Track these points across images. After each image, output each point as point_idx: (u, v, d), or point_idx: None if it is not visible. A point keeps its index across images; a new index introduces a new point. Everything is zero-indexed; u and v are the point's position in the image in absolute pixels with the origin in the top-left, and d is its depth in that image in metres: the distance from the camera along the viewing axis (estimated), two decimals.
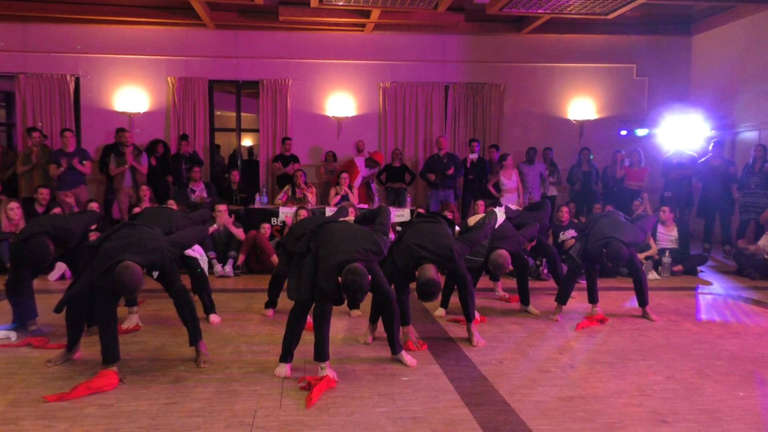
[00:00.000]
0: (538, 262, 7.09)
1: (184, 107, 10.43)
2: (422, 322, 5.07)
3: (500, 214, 5.24)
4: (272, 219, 7.94)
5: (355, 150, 10.14)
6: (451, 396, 3.50)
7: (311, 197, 8.68)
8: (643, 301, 5.33)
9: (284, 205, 8.33)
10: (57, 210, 7.20)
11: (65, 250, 4.59)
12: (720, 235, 9.16)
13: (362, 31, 10.56)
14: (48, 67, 10.15)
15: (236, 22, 10.12)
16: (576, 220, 8.03)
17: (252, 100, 11.63)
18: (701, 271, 7.57)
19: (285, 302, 4.63)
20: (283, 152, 9.95)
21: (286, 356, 3.81)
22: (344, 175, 8.87)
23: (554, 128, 11.02)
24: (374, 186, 9.98)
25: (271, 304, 5.35)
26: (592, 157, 9.94)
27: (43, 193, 7.58)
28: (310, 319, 3.84)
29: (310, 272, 3.69)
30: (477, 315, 4.85)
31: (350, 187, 8.84)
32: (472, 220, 5.66)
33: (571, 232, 7.45)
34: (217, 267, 7.00)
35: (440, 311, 5.35)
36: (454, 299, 4.94)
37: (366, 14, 9.57)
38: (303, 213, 7.09)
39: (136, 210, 6.95)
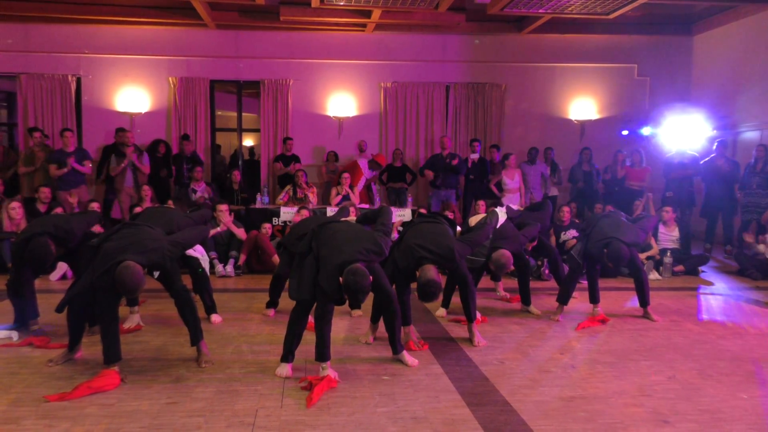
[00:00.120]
0: (539, 263, 7.09)
1: (185, 107, 10.43)
2: (423, 322, 5.07)
3: (501, 214, 5.24)
4: (273, 219, 7.94)
5: (357, 150, 10.15)
6: (452, 396, 3.50)
7: (312, 197, 8.68)
8: (644, 302, 5.33)
9: (285, 205, 8.33)
10: (58, 210, 7.21)
11: (66, 250, 4.59)
12: (722, 235, 9.15)
13: (363, 31, 10.57)
14: (49, 68, 10.15)
15: (237, 22, 10.12)
16: (577, 220, 8.02)
17: (253, 100, 11.63)
18: (702, 272, 7.56)
19: (286, 302, 4.64)
20: (284, 152, 9.95)
21: (287, 356, 3.81)
22: (345, 175, 8.87)
23: (555, 128, 11.02)
24: (375, 187, 9.98)
25: (272, 304, 5.35)
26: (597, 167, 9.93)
27: (45, 192, 7.60)
28: (311, 319, 3.84)
29: (312, 272, 3.69)
30: (478, 315, 4.85)
31: (351, 187, 8.84)
32: (473, 220, 5.66)
33: (573, 232, 7.44)
34: (219, 267, 7.00)
35: (441, 311, 5.35)
36: (456, 299, 4.94)
37: (367, 14, 9.57)
38: (304, 213, 7.09)
39: (138, 210, 6.95)
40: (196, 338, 4.00)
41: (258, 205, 8.41)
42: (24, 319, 4.65)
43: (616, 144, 10.43)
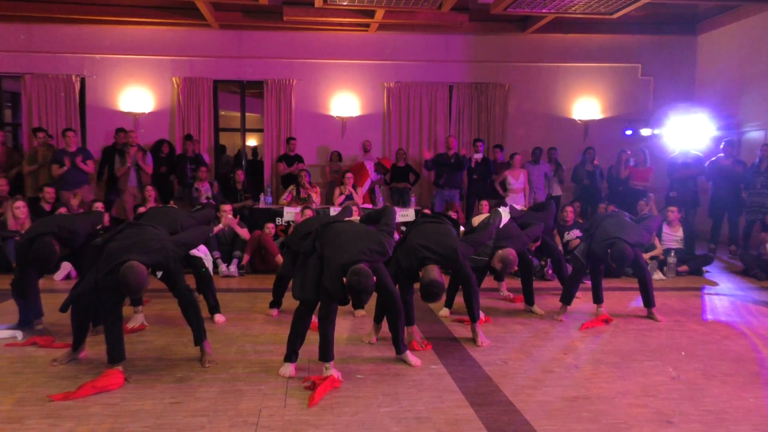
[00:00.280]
0: (542, 263, 7.08)
1: (188, 107, 10.45)
2: (427, 322, 5.07)
3: (505, 214, 5.23)
4: (276, 219, 7.95)
5: (361, 150, 10.16)
6: (455, 396, 3.50)
7: (316, 197, 8.69)
8: (648, 302, 5.31)
9: (289, 205, 8.34)
10: (62, 210, 7.23)
11: (71, 250, 4.61)
12: (727, 235, 9.11)
13: (366, 31, 10.57)
14: (53, 68, 10.18)
15: (240, 23, 10.13)
16: (580, 220, 8.00)
17: (256, 100, 11.65)
18: (707, 272, 7.54)
19: (289, 302, 4.64)
20: (288, 152, 9.96)
21: (290, 356, 3.81)
22: (348, 174, 8.88)
23: (559, 128, 11.00)
24: (377, 188, 9.99)
25: (275, 303, 5.35)
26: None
27: (50, 192, 7.63)
28: (315, 318, 3.85)
29: (316, 272, 3.69)
30: (481, 315, 4.84)
31: (355, 187, 8.84)
32: (476, 220, 5.66)
33: (576, 232, 7.43)
34: (222, 267, 7.01)
35: (445, 311, 5.35)
36: (459, 299, 4.93)
37: (370, 14, 9.57)
38: (308, 213, 7.09)
39: (141, 210, 6.97)
40: (199, 338, 4.01)
41: (261, 205, 8.42)
42: (28, 318, 4.67)
43: (619, 144, 10.41)
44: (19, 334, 4.45)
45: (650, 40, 10.99)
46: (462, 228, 5.61)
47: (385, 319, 4.26)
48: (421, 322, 4.94)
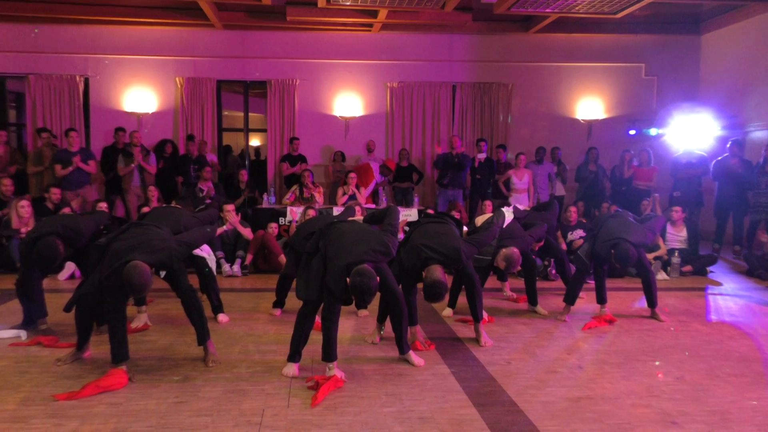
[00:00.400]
0: (546, 263, 7.07)
1: (192, 107, 10.46)
2: (430, 322, 5.07)
3: (508, 214, 5.23)
4: (280, 219, 7.96)
5: (365, 150, 10.16)
6: (458, 396, 3.50)
7: (319, 197, 8.69)
8: (652, 302, 5.30)
9: (292, 204, 8.35)
10: (66, 210, 7.25)
11: (74, 250, 4.62)
12: (732, 235, 9.08)
13: (369, 31, 10.57)
14: (57, 68, 10.21)
15: (244, 23, 10.14)
16: (584, 220, 7.99)
17: (260, 100, 11.66)
18: (711, 272, 7.52)
19: (293, 302, 4.65)
20: (291, 152, 9.97)
21: (294, 356, 3.81)
22: (352, 174, 8.88)
23: (562, 128, 10.99)
24: (380, 188, 9.98)
25: (278, 303, 5.36)
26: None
27: (56, 193, 7.66)
28: (318, 319, 3.85)
29: (319, 273, 3.69)
30: (485, 315, 4.84)
31: (358, 187, 8.84)
32: (479, 220, 5.66)
33: (579, 232, 7.42)
34: (225, 266, 7.02)
35: (448, 311, 5.35)
36: (462, 299, 4.94)
37: (373, 14, 9.57)
38: (311, 213, 7.09)
39: (145, 210, 6.98)
40: (203, 338, 4.01)
41: (265, 205, 8.43)
42: (32, 318, 4.68)
43: (623, 144, 10.39)
44: (23, 334, 4.47)
45: (654, 39, 10.97)
46: (465, 228, 5.61)
47: (388, 319, 4.25)
48: (424, 322, 4.94)
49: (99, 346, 4.10)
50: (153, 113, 10.49)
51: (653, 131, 10.34)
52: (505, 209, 5.32)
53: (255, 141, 14.54)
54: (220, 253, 7.03)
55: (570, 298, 5.28)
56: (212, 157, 9.99)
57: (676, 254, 7.30)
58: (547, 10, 9.03)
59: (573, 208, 7.71)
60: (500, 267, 4.94)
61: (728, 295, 6.44)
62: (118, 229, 4.07)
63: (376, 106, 10.88)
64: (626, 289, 6.48)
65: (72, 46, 10.26)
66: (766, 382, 3.78)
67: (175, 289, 4.06)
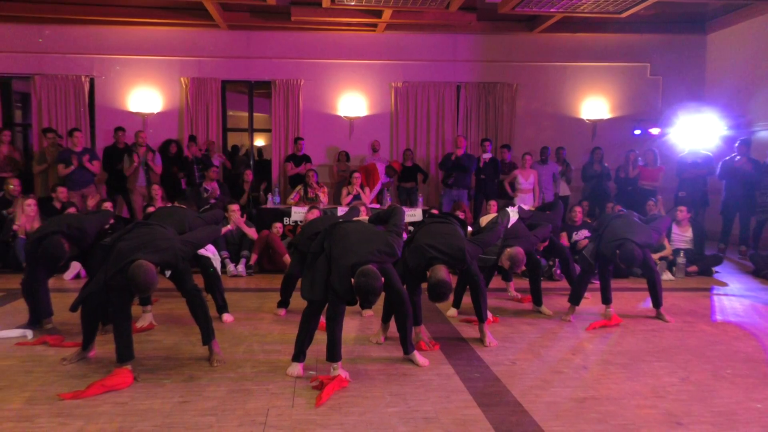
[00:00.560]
0: (550, 263, 7.06)
1: (197, 107, 10.49)
2: (434, 322, 5.07)
3: (513, 214, 5.23)
4: (284, 219, 7.97)
5: (369, 150, 10.16)
6: (463, 396, 3.50)
7: (323, 197, 8.69)
8: (657, 302, 5.29)
9: (296, 204, 8.36)
10: (72, 210, 7.28)
11: (80, 249, 4.64)
12: (737, 235, 9.04)
13: (374, 31, 10.57)
14: (63, 68, 10.25)
15: (248, 23, 10.15)
16: (588, 220, 7.97)
17: (264, 100, 11.68)
18: (717, 272, 7.49)
19: (297, 302, 4.66)
20: (295, 152, 9.98)
21: (298, 356, 3.82)
22: (356, 174, 8.88)
23: (567, 128, 10.96)
24: (385, 189, 9.98)
25: (283, 303, 5.36)
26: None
27: (63, 192, 7.70)
28: (323, 319, 3.85)
29: (324, 273, 3.69)
30: (489, 315, 4.83)
31: (362, 187, 8.84)
32: (484, 220, 5.64)
33: (584, 232, 7.40)
34: (230, 266, 7.03)
35: (452, 311, 5.34)
36: (467, 299, 4.93)
37: (378, 14, 9.58)
38: (315, 212, 7.09)
39: (150, 210, 7.01)
40: (207, 337, 4.02)
41: (269, 205, 8.44)
42: (38, 317, 4.70)
43: (628, 143, 10.36)
44: (29, 333, 4.48)
45: (659, 39, 10.94)
46: (470, 228, 5.60)
47: (392, 319, 4.25)
48: (428, 322, 4.94)
49: (104, 346, 4.11)
50: (158, 113, 10.52)
51: (655, 131, 10.31)
52: (509, 209, 5.32)
53: (260, 141, 14.57)
54: (225, 253, 7.04)
55: (575, 299, 5.27)
56: (220, 157, 10.01)
57: (682, 254, 7.28)
58: (552, 10, 9.01)
59: (578, 209, 7.69)
60: (505, 267, 4.93)
61: (734, 295, 6.42)
62: (123, 228, 4.08)
63: (381, 106, 10.88)
64: (631, 289, 6.46)
65: (77, 46, 10.30)
66: None
67: (180, 289, 4.07)
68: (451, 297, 5.15)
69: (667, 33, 10.88)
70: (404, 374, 3.84)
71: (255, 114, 11.36)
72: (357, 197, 8.62)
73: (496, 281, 6.10)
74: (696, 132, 9.47)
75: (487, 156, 9.64)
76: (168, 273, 4.02)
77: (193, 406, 3.29)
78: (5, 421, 3.10)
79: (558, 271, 6.93)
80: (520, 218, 5.36)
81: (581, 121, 11.06)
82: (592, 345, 4.54)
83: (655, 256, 6.84)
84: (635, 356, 4.26)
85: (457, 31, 10.70)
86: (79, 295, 3.86)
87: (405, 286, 4.14)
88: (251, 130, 11.37)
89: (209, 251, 5.23)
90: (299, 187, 8.79)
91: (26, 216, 6.91)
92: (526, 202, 8.87)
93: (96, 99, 10.43)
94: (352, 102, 10.79)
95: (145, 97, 10.47)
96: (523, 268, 5.25)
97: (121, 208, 9.22)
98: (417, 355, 4.05)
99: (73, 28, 10.21)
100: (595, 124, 11.04)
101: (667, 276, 7.04)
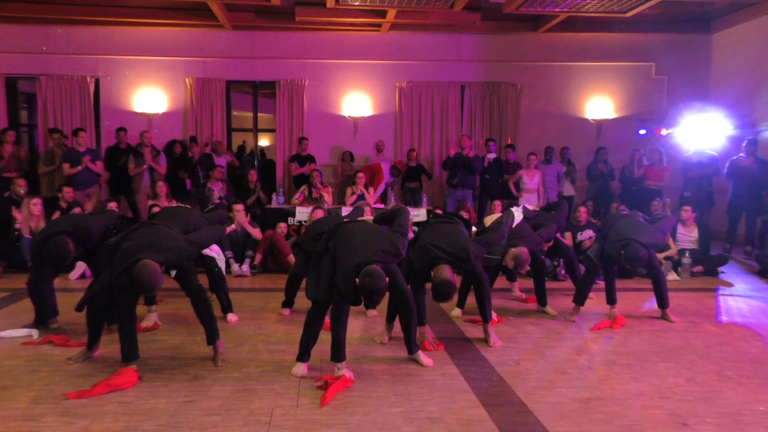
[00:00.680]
0: (555, 263, 7.04)
1: (201, 108, 10.51)
2: (439, 323, 5.06)
3: (518, 214, 5.22)
4: (288, 219, 7.98)
5: (374, 150, 10.17)
6: (467, 396, 3.49)
7: (328, 197, 8.70)
8: (662, 303, 5.27)
9: (301, 204, 8.36)
10: (77, 210, 7.32)
11: (85, 249, 4.65)
12: (743, 236, 9.00)
13: (378, 31, 10.57)
14: (68, 69, 10.29)
15: (253, 23, 10.17)
16: (593, 220, 7.95)
17: (269, 101, 11.69)
18: (722, 272, 7.46)
19: (301, 301, 4.66)
20: (300, 152, 9.99)
21: (303, 356, 3.82)
22: (360, 174, 8.88)
23: (571, 128, 10.94)
24: (389, 188, 9.98)
25: (287, 303, 5.37)
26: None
27: (69, 192, 7.74)
28: (327, 319, 3.85)
29: (329, 273, 3.69)
30: (494, 315, 4.82)
31: (366, 187, 8.84)
32: (488, 220, 5.64)
33: (589, 233, 7.38)
34: (235, 266, 7.04)
35: (457, 311, 5.34)
36: (471, 299, 4.92)
37: (382, 14, 9.58)
38: (319, 213, 7.10)
39: (155, 210, 7.03)
40: (212, 337, 4.03)
41: (274, 205, 8.45)
42: (44, 317, 4.72)
43: (633, 143, 10.33)
44: (34, 333, 4.50)
45: (664, 38, 10.90)
46: (474, 228, 5.60)
47: (397, 319, 4.25)
48: (433, 322, 4.93)
49: (109, 345, 4.12)
50: (163, 114, 10.55)
51: (665, 131, 10.27)
52: (514, 209, 5.31)
53: (264, 141, 14.58)
54: (230, 253, 7.05)
55: (579, 299, 5.26)
56: (228, 156, 10.02)
57: (687, 254, 7.25)
58: (556, 10, 9.00)
59: (583, 209, 7.67)
60: (509, 267, 4.92)
61: (739, 295, 6.39)
62: (128, 228, 4.10)
63: (385, 106, 10.88)
64: (636, 289, 6.45)
65: (82, 47, 10.34)
66: None
67: (184, 289, 4.08)
68: (456, 297, 5.15)
69: (673, 32, 10.85)
70: (408, 374, 3.84)
71: (259, 114, 11.37)
72: (361, 197, 8.62)
73: (500, 281, 6.10)
74: (701, 132, 9.43)
75: (491, 156, 9.63)
76: (173, 273, 4.03)
77: (198, 406, 3.30)
78: (11, 420, 3.11)
79: (563, 272, 6.92)
80: (524, 218, 5.36)
81: (586, 120, 11.04)
82: (597, 345, 4.53)
83: (661, 256, 6.82)
84: (640, 357, 4.25)
85: (461, 31, 10.69)
86: (85, 294, 3.87)
87: (409, 286, 4.14)
88: (256, 131, 11.39)
89: (214, 251, 5.24)
90: (303, 187, 8.80)
91: (32, 216, 6.94)
92: (530, 201, 8.85)
93: (101, 99, 10.46)
94: (357, 102, 10.79)
95: (149, 97, 10.50)
96: (528, 268, 5.25)
97: (124, 209, 9.24)
98: (421, 355, 4.05)
99: (78, 28, 10.25)
100: (600, 124, 11.01)
101: (672, 276, 7.02)
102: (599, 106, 11.00)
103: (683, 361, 4.15)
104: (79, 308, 3.85)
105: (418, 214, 8.07)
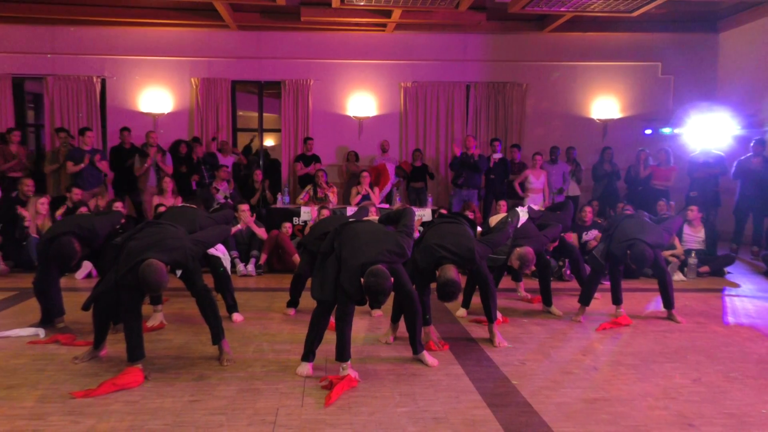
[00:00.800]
0: (560, 263, 7.03)
1: (207, 108, 10.54)
2: (444, 323, 5.06)
3: (523, 214, 5.21)
4: (294, 218, 7.99)
5: (379, 150, 10.17)
6: (472, 396, 3.49)
7: (333, 197, 8.71)
8: (668, 303, 5.25)
9: (306, 204, 8.38)
10: (83, 210, 7.34)
11: (91, 249, 4.67)
12: (751, 236, 8.95)
13: (383, 30, 10.57)
14: (75, 69, 10.33)
15: (258, 23, 10.19)
16: (599, 220, 7.93)
17: (274, 100, 11.71)
18: (729, 273, 7.43)
19: (307, 301, 4.66)
20: (305, 152, 10.00)
21: (308, 355, 3.82)
22: (365, 174, 8.88)
23: (577, 127, 10.91)
24: (394, 188, 9.98)
25: (293, 303, 5.38)
26: None
27: (77, 193, 7.77)
28: (332, 318, 3.85)
29: (334, 273, 3.70)
30: (499, 315, 4.82)
31: (372, 186, 8.84)
32: (493, 220, 5.63)
33: (594, 233, 7.36)
34: (240, 266, 7.05)
35: (462, 311, 5.33)
36: (476, 299, 4.91)
37: (387, 14, 9.58)
38: (325, 213, 7.11)
39: (161, 209, 7.05)
40: (217, 337, 4.03)
41: (279, 205, 8.46)
42: (50, 316, 4.74)
43: (639, 143, 10.30)
44: (41, 332, 4.52)
45: (670, 38, 10.86)
46: (479, 228, 5.59)
47: (402, 319, 4.25)
48: (438, 322, 4.93)
49: (115, 345, 4.13)
50: (168, 114, 10.58)
51: (667, 130, 10.24)
52: (519, 209, 5.30)
53: (269, 141, 14.60)
54: (235, 253, 7.06)
55: (585, 299, 5.24)
56: (236, 154, 10.04)
57: (693, 255, 7.22)
58: (562, 9, 8.97)
59: (588, 209, 7.66)
60: (514, 267, 4.92)
61: (746, 296, 6.36)
62: (133, 228, 4.11)
63: (390, 106, 10.88)
64: (642, 290, 6.42)
65: (89, 47, 10.38)
66: None
67: (190, 289, 4.09)
68: (461, 297, 5.14)
69: (679, 32, 10.80)
70: (413, 374, 3.84)
71: (265, 114, 11.39)
72: (366, 197, 8.62)
73: (505, 281, 6.09)
74: (708, 131, 9.38)
75: (497, 156, 9.61)
76: (178, 272, 4.04)
77: (203, 405, 3.31)
78: (18, 419, 3.13)
79: (568, 272, 6.90)
80: (530, 218, 5.35)
81: (591, 120, 11.01)
82: (603, 346, 4.52)
83: (667, 254, 6.79)
84: (646, 357, 4.23)
85: (466, 31, 10.68)
86: (91, 294, 3.89)
87: (414, 286, 4.14)
88: (261, 130, 11.41)
89: (219, 251, 5.25)
90: (309, 187, 8.81)
91: (38, 214, 6.98)
92: (535, 202, 8.84)
93: (107, 99, 10.50)
94: (362, 102, 10.79)
95: (155, 97, 10.53)
96: (533, 268, 5.24)
97: (129, 209, 9.27)
98: (426, 355, 4.04)
99: (84, 29, 10.29)
100: (606, 124, 10.98)
101: (678, 276, 6.99)
102: (605, 105, 10.97)
103: (689, 362, 4.14)
104: (85, 307, 3.87)
105: (423, 214, 8.07)
